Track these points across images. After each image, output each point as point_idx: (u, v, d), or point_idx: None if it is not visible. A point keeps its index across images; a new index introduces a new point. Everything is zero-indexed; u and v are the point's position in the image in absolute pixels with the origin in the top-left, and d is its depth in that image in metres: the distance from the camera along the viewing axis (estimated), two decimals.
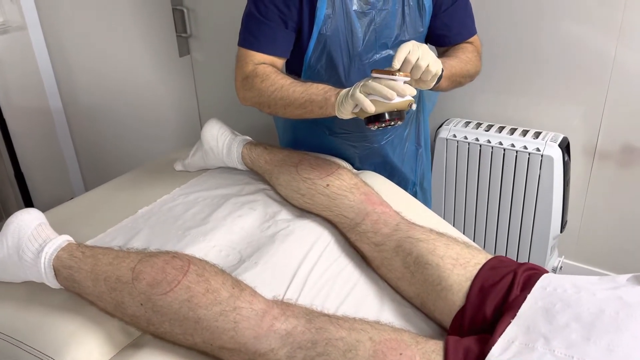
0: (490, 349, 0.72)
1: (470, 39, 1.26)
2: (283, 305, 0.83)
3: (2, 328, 0.88)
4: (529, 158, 1.54)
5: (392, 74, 0.93)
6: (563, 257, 1.75)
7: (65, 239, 0.92)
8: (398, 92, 0.92)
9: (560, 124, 1.60)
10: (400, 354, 0.73)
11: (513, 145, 1.56)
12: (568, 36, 1.50)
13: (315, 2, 1.11)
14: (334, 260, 1.03)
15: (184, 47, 2.12)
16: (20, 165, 1.82)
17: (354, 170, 1.28)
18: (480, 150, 1.61)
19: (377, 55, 1.20)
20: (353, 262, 1.04)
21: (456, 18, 1.22)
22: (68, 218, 1.17)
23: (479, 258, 0.90)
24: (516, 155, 1.56)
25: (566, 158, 1.55)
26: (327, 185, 1.07)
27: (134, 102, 2.10)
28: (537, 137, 1.56)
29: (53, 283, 0.90)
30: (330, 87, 1.03)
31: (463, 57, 1.19)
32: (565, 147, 1.55)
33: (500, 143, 1.58)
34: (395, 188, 1.25)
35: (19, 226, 0.92)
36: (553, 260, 1.70)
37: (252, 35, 1.14)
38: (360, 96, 0.93)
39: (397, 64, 0.94)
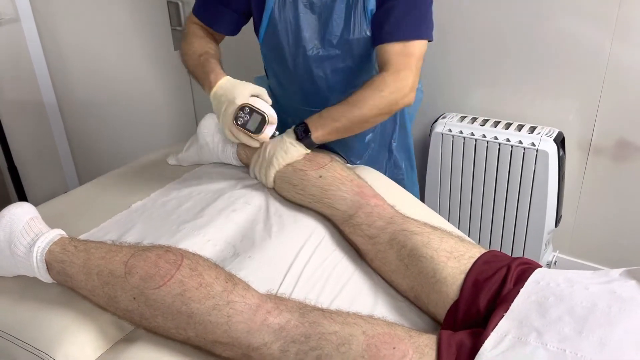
0: (482, 342, 0.72)
1: (400, 44, 1.13)
2: (276, 300, 0.83)
3: None
4: (524, 153, 1.54)
5: (248, 133, 1.12)
6: (558, 251, 1.76)
7: (57, 232, 0.92)
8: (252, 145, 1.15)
9: (555, 119, 1.60)
10: (394, 347, 0.73)
11: (508, 140, 1.56)
12: (563, 31, 1.50)
13: None
14: (329, 255, 1.03)
15: (179, 41, 2.10)
16: (13, 159, 1.81)
17: (348, 164, 1.28)
18: (475, 144, 1.61)
19: (322, 51, 1.24)
20: (347, 256, 1.04)
21: (392, 15, 1.14)
22: (61, 212, 1.16)
23: (473, 252, 0.90)
24: (511, 150, 1.56)
25: (561, 153, 1.55)
26: (320, 176, 1.07)
27: (129, 96, 2.09)
28: (532, 132, 1.56)
29: (45, 277, 0.89)
30: (216, 71, 1.16)
31: (352, 101, 1.12)
32: (560, 141, 1.55)
33: (496, 138, 1.58)
34: (389, 182, 1.24)
35: (10, 220, 0.91)
36: (547, 255, 1.71)
37: (200, 3, 1.32)
38: (227, 131, 1.13)
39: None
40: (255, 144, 1.11)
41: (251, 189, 1.18)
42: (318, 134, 1.12)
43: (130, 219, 1.11)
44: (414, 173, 1.57)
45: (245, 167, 1.26)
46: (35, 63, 1.86)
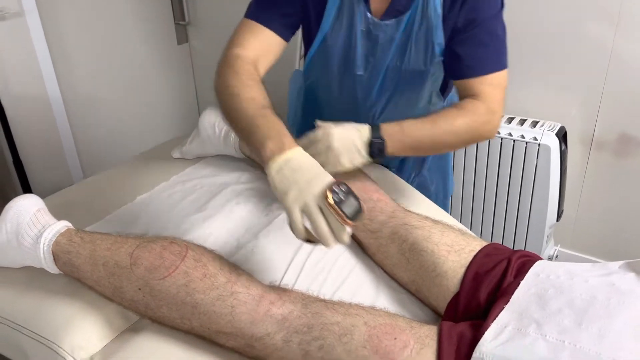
0: (483, 333, 0.73)
1: (484, 80, 1.03)
2: (279, 291, 0.84)
3: (1, 312, 0.89)
4: (526, 147, 1.55)
5: (343, 217, 0.74)
6: (559, 245, 1.77)
7: (64, 224, 0.93)
8: (340, 239, 0.77)
9: (557, 113, 1.60)
10: (395, 338, 0.74)
11: (510, 135, 1.57)
12: (566, 25, 1.50)
13: (323, 9, 1.08)
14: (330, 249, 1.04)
15: (182, 35, 2.11)
16: (18, 152, 1.82)
17: None
18: None
19: (371, 76, 1.14)
20: (349, 249, 1.05)
21: (474, 47, 1.04)
22: (66, 205, 1.17)
23: (473, 245, 0.91)
24: (513, 144, 1.57)
25: (563, 147, 1.55)
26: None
27: (132, 90, 2.09)
28: (534, 126, 1.57)
29: (52, 268, 0.90)
30: (279, 135, 0.82)
31: (439, 119, 1.00)
32: (562, 136, 1.55)
33: (498, 132, 1.58)
34: (392, 176, 1.25)
35: (17, 212, 0.92)
36: (549, 249, 1.71)
37: (256, 6, 1.08)
38: (297, 219, 0.76)
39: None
40: (329, 237, 0.76)
41: (254, 182, 1.19)
42: (394, 149, 0.97)
43: (135, 212, 1.12)
44: (447, 199, 1.43)
45: (247, 158, 1.26)
46: (40, 57, 1.86)
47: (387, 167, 1.29)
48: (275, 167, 0.79)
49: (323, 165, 0.82)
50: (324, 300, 0.83)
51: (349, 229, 0.76)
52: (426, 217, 0.98)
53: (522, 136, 1.55)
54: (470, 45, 1.04)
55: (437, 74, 1.12)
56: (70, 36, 1.94)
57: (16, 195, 0.98)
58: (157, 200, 1.16)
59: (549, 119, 1.59)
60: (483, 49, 1.04)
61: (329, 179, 0.77)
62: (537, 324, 0.71)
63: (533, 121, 1.59)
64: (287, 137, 0.82)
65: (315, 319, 0.78)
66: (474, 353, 0.70)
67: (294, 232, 0.78)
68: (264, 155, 0.81)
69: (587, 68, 1.52)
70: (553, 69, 1.57)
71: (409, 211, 1.01)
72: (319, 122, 0.97)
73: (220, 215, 1.08)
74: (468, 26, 1.03)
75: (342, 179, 0.81)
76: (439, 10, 1.03)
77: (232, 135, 1.24)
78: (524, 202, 1.60)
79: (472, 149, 1.62)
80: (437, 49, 1.07)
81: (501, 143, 1.58)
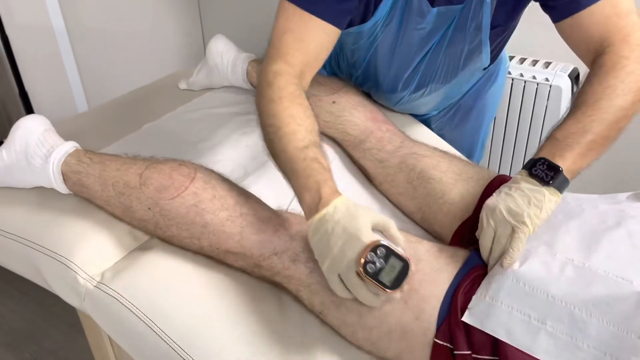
0: None
1: (603, 4, 0.79)
2: (287, 214, 0.85)
3: (13, 230, 0.90)
4: (537, 88, 1.52)
5: (381, 288, 0.66)
6: None
7: (72, 144, 0.93)
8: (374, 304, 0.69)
9: (571, 55, 1.56)
10: None
11: (522, 75, 1.54)
12: None
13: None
14: (338, 180, 1.04)
15: None
16: (24, 83, 1.80)
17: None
18: None
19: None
20: (356, 179, 1.05)
21: None
22: (73, 132, 1.16)
23: (481, 174, 0.91)
24: (524, 85, 1.54)
25: (575, 89, 1.53)
26: (333, 102, 1.06)
27: (136, 22, 2.06)
28: (546, 67, 1.53)
29: (62, 188, 0.91)
30: (329, 184, 0.72)
31: (592, 98, 0.76)
32: (575, 77, 1.52)
33: (509, 72, 1.55)
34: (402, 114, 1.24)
35: (25, 131, 0.92)
36: None
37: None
38: (339, 290, 0.69)
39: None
40: (376, 304, 0.69)
41: None
42: (568, 163, 0.73)
43: (141, 139, 1.12)
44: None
45: (254, 89, 1.25)
46: None
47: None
48: (312, 228, 0.70)
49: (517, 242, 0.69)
50: None
51: (392, 294, 0.67)
52: (435, 148, 0.98)
53: (534, 77, 1.53)
54: None
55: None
56: None
57: None
58: (164, 129, 1.16)
59: (562, 60, 1.56)
60: None
61: (363, 242, 0.66)
62: (546, 245, 0.72)
63: (545, 62, 1.56)
64: (326, 187, 0.71)
65: None
66: (488, 272, 0.72)
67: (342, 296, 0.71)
68: (303, 210, 0.73)
69: None
70: None
71: (418, 141, 1.00)
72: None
73: (228, 144, 1.08)
74: None
75: None
76: None
77: (240, 63, 1.22)
78: (532, 143, 1.59)
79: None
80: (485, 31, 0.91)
81: (512, 84, 1.56)
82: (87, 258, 0.84)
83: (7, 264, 0.95)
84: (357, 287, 0.67)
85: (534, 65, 1.55)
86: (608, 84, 0.75)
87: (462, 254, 0.77)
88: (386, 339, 0.72)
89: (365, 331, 0.73)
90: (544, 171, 0.72)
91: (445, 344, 0.69)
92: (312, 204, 0.71)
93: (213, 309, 0.79)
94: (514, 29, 1.00)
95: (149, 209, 0.83)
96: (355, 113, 1.06)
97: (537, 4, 0.93)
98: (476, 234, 0.76)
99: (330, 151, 1.08)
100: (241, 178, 1.00)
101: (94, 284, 0.82)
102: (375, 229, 0.69)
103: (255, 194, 0.89)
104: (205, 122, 1.16)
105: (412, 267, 0.67)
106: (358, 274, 0.66)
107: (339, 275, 0.68)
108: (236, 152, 1.06)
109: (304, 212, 0.73)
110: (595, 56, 0.80)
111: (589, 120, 0.74)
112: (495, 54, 1.04)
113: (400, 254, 0.67)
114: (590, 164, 0.76)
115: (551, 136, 0.76)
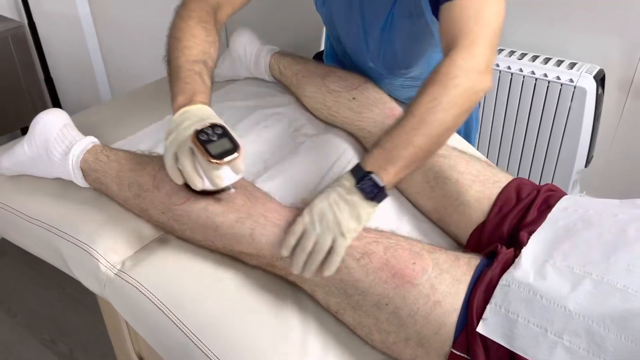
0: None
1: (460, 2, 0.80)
2: (299, 213, 0.85)
3: (38, 216, 0.93)
4: (561, 89, 1.50)
5: (206, 155, 0.71)
6: (585, 192, 1.75)
7: (90, 140, 0.93)
8: (212, 182, 0.74)
9: (597, 55, 1.54)
10: (414, 263, 0.75)
11: (546, 75, 1.52)
12: None
13: None
14: None
15: None
16: (49, 69, 1.84)
17: None
18: (511, 78, 1.57)
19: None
20: None
21: None
22: (95, 121, 1.18)
23: (498, 177, 0.90)
24: (548, 86, 1.52)
25: (600, 91, 1.50)
26: (353, 98, 1.07)
27: (162, 13, 2.07)
28: (571, 68, 1.51)
29: (82, 183, 0.93)
30: (193, 92, 0.79)
31: (419, 108, 0.76)
32: (600, 79, 1.50)
33: (533, 72, 1.53)
34: None
35: (45, 127, 0.93)
36: (574, 195, 1.70)
37: None
38: (169, 163, 0.75)
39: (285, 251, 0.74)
40: (197, 186, 0.75)
41: (283, 107, 1.19)
42: (390, 177, 0.76)
43: (164, 130, 1.13)
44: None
45: (276, 82, 1.26)
46: None
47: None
48: (174, 118, 0.78)
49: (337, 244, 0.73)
50: None
51: (224, 172, 0.73)
52: (453, 148, 0.97)
53: (558, 77, 1.50)
54: None
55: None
56: None
57: None
58: None
59: (588, 61, 1.53)
60: None
61: (208, 121, 0.74)
62: (564, 255, 0.71)
63: (571, 63, 1.53)
64: (200, 95, 0.79)
65: None
66: (501, 280, 0.71)
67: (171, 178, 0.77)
68: (172, 108, 0.79)
69: (632, 8, 1.44)
70: (595, 8, 1.49)
71: None
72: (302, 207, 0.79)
73: (249, 137, 1.08)
74: None
75: None
76: None
77: (263, 56, 1.22)
78: (553, 144, 1.57)
79: (504, 87, 1.59)
80: None
81: (535, 84, 1.54)
82: (108, 246, 0.85)
83: (31, 248, 0.98)
84: (182, 157, 0.73)
85: (558, 65, 1.53)
86: (434, 96, 0.76)
87: (475, 261, 0.77)
88: (402, 345, 0.73)
89: (382, 334, 0.74)
90: (370, 187, 0.75)
91: (462, 354, 0.69)
92: (182, 103, 0.79)
93: (231, 302, 0.80)
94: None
95: (163, 213, 0.83)
96: (375, 110, 1.06)
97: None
98: (292, 229, 0.75)
99: (350, 148, 1.08)
100: (261, 171, 1.01)
101: (115, 272, 0.84)
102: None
103: (273, 192, 0.89)
104: (228, 114, 1.16)
105: (242, 152, 0.73)
106: (191, 149, 0.73)
107: (175, 153, 0.74)
108: (257, 146, 1.07)
109: (173, 111, 0.79)
110: (446, 52, 0.81)
111: (414, 133, 0.75)
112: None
113: (234, 138, 0.74)
114: (412, 171, 0.80)
115: (380, 143, 0.78)
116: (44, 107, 1.75)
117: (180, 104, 0.79)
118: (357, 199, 0.74)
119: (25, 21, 1.72)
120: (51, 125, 0.94)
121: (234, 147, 0.73)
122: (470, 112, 0.80)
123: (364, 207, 0.74)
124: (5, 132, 1.62)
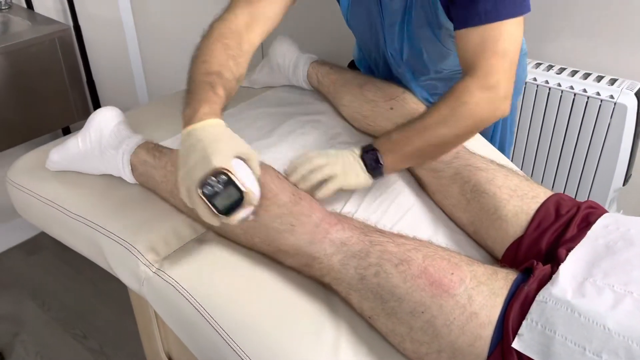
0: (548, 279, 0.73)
1: (478, 30, 0.83)
2: (340, 217, 0.86)
3: (81, 212, 0.95)
4: (600, 105, 1.48)
5: (212, 211, 0.72)
6: (622, 211, 1.71)
7: (141, 137, 0.97)
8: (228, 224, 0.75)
9: (638, 72, 1.51)
10: (452, 273, 0.75)
11: (585, 91, 1.50)
12: None
13: None
14: (391, 184, 1.05)
15: None
16: (92, 72, 1.89)
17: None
18: (549, 93, 1.55)
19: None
20: (409, 187, 1.05)
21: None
22: (135, 124, 1.20)
23: (537, 192, 0.90)
24: (587, 101, 1.50)
25: None
26: (391, 108, 1.07)
27: (201, 20, 2.11)
28: (612, 84, 1.49)
29: (129, 178, 0.96)
30: (210, 104, 0.79)
31: (429, 119, 0.87)
32: None
33: (572, 87, 1.51)
34: None
35: (101, 122, 0.98)
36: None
37: None
38: (185, 200, 0.75)
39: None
40: (215, 223, 0.74)
41: (320, 114, 1.20)
42: (387, 162, 0.90)
43: None
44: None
45: (314, 90, 1.27)
46: None
47: None
48: (182, 139, 0.76)
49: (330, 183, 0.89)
50: (382, 231, 0.84)
51: (235, 218, 0.73)
52: (491, 161, 0.97)
53: (598, 93, 1.48)
54: None
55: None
56: None
57: (89, 111, 1.02)
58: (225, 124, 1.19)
59: (628, 77, 1.51)
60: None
61: (212, 166, 0.71)
62: (604, 274, 0.70)
63: (611, 79, 1.51)
64: (206, 107, 0.77)
65: (373, 247, 0.80)
66: (537, 296, 0.71)
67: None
68: (189, 117, 0.78)
69: None
70: (638, 24, 1.47)
71: (474, 153, 1.00)
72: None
73: (285, 144, 1.10)
74: None
75: None
76: None
77: (302, 64, 1.24)
78: (591, 162, 1.54)
79: (541, 101, 1.57)
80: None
81: (574, 99, 1.52)
82: (148, 245, 0.88)
83: (73, 244, 1.01)
84: (197, 204, 0.73)
85: (598, 81, 1.51)
86: (443, 116, 0.86)
87: (512, 276, 0.76)
88: (435, 356, 0.72)
89: (415, 344, 0.74)
90: (372, 160, 0.90)
91: None
92: (188, 117, 0.77)
93: (265, 304, 0.81)
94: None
95: None
96: None
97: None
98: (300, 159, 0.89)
99: None
100: None
101: (154, 271, 0.86)
102: (240, 157, 0.75)
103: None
104: (265, 120, 1.18)
105: (247, 199, 0.72)
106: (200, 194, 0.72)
107: (187, 189, 0.74)
108: (294, 152, 1.08)
109: (182, 124, 0.79)
110: (464, 73, 0.87)
111: (417, 136, 0.89)
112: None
113: (239, 185, 0.72)
114: (409, 165, 0.99)
115: (391, 132, 0.92)
116: (86, 109, 1.81)
117: (186, 119, 0.78)
118: (360, 164, 0.90)
119: (71, 24, 1.78)
120: (107, 121, 0.99)
121: (241, 195, 0.72)
122: (474, 134, 0.90)
123: (361, 173, 0.90)
124: (48, 132, 1.66)
